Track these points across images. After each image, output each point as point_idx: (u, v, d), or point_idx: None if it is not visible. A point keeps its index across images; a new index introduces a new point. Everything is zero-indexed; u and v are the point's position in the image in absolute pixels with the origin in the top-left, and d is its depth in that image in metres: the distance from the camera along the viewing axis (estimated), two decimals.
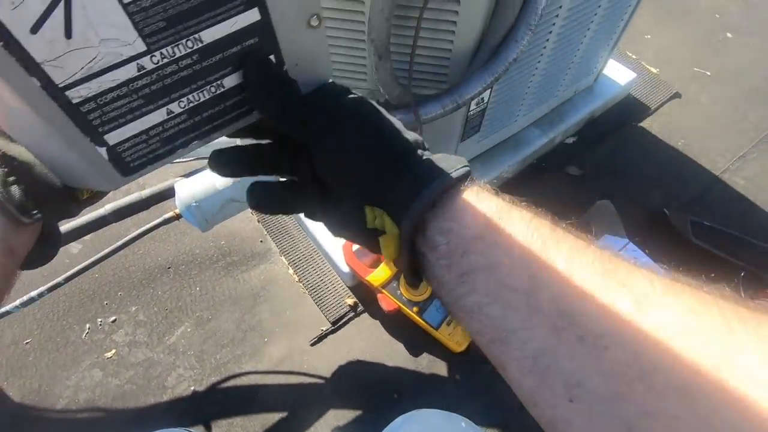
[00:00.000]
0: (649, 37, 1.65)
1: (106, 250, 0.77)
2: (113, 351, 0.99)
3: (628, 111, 1.45)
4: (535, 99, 1.17)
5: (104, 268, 1.09)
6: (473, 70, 0.82)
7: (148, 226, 0.78)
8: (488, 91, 0.98)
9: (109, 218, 0.80)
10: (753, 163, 1.34)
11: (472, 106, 0.98)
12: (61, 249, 0.80)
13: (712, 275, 0.29)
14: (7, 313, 0.73)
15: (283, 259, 1.13)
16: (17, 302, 0.74)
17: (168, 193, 0.83)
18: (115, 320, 1.03)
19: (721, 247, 1.12)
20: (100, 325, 1.02)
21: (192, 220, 0.76)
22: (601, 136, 1.38)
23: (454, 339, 0.97)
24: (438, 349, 0.99)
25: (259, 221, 1.19)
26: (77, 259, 1.09)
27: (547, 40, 0.97)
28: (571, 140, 1.36)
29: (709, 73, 1.55)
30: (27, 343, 0.99)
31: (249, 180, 0.75)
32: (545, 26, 0.92)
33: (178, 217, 0.79)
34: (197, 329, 1.02)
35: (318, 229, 1.10)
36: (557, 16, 0.92)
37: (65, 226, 0.78)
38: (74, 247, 1.13)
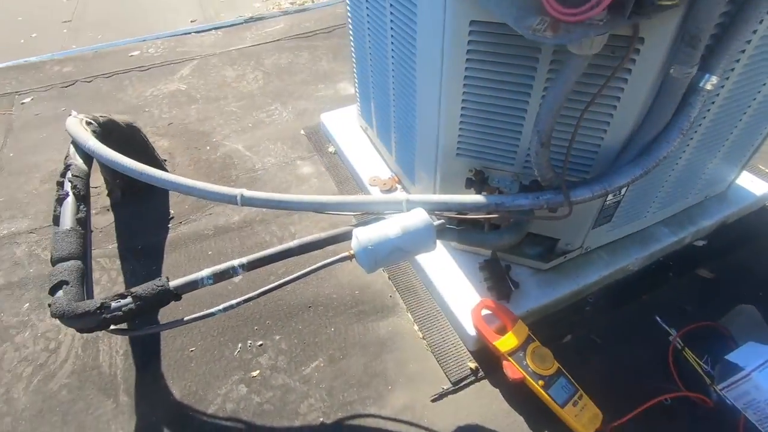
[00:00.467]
0: None
1: (294, 275, 0.92)
2: (258, 371, 1.11)
3: (763, 223, 1.41)
4: (667, 198, 1.22)
5: (259, 299, 1.26)
6: (623, 163, 0.92)
7: (327, 261, 0.93)
8: (626, 187, 1.06)
9: (295, 250, 0.98)
10: None
11: (610, 197, 1.06)
12: (238, 273, 0.95)
13: None
14: (212, 314, 0.90)
15: (409, 316, 1.22)
16: (220, 307, 0.90)
17: (342, 237, 0.99)
18: (261, 345, 1.17)
19: None
20: (249, 346, 1.17)
21: (364, 260, 0.90)
22: (734, 242, 1.36)
23: (581, 421, 0.96)
24: (561, 429, 0.98)
25: (389, 278, 1.31)
26: (239, 287, 1.28)
27: (688, 144, 1.05)
28: (701, 243, 1.35)
29: None
30: (192, 350, 1.16)
31: (414, 234, 0.88)
32: (690, 133, 1.00)
33: (351, 257, 0.93)
34: (329, 366, 1.12)
35: (446, 289, 1.19)
36: (701, 125, 1.00)
37: (262, 252, 0.96)
38: (238, 277, 1.33)
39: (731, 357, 1.01)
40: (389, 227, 0.91)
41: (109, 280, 1.34)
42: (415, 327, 1.19)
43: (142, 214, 1.54)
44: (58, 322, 1.22)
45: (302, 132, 1.89)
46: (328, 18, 2.68)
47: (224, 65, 2.33)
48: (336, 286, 1.30)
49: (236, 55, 2.40)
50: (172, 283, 0.90)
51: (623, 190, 1.07)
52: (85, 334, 1.20)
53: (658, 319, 1.17)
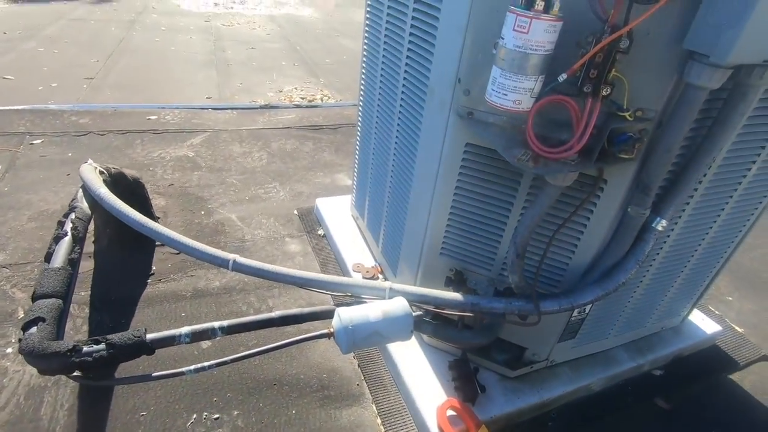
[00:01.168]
0: (730, 299, 1.80)
1: (264, 347, 0.94)
2: None
3: (716, 361, 1.50)
4: (627, 323, 1.31)
5: (223, 368, 1.24)
6: (586, 283, 1.02)
7: (306, 336, 0.96)
8: (590, 305, 1.16)
9: (275, 321, 1.00)
10: None
11: (575, 314, 1.15)
12: (216, 335, 0.97)
13: None
14: (181, 373, 0.89)
15: (374, 407, 1.20)
16: (192, 367, 0.89)
17: (322, 315, 1.02)
18: (218, 418, 1.12)
19: None
20: (205, 418, 1.11)
21: (343, 339, 0.93)
22: (689, 377, 1.42)
23: None
24: None
25: (359, 365, 1.31)
26: (205, 353, 1.26)
27: (644, 276, 1.17)
28: (658, 372, 1.42)
29: None
30: (143, 414, 1.10)
31: (393, 321, 0.94)
32: (645, 265, 1.13)
33: (330, 335, 0.96)
34: None
35: (413, 384, 1.20)
36: (655, 259, 1.14)
37: (242, 319, 0.98)
38: (205, 342, 1.31)
39: None
40: (371, 310, 0.96)
41: (72, 327, 1.30)
42: (378, 420, 1.17)
43: (123, 267, 1.54)
44: (7, 364, 1.16)
45: (295, 212, 1.99)
46: (335, 116, 2.96)
47: (233, 141, 2.50)
48: (305, 366, 1.29)
49: (246, 134, 2.60)
50: (149, 336, 0.90)
51: (587, 309, 1.16)
52: (33, 382, 1.13)
53: None
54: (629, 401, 1.32)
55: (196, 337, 0.93)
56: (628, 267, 0.98)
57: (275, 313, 1.01)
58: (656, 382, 1.39)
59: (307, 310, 1.03)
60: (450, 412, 1.11)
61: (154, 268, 1.56)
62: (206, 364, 0.91)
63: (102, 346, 0.86)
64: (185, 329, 0.93)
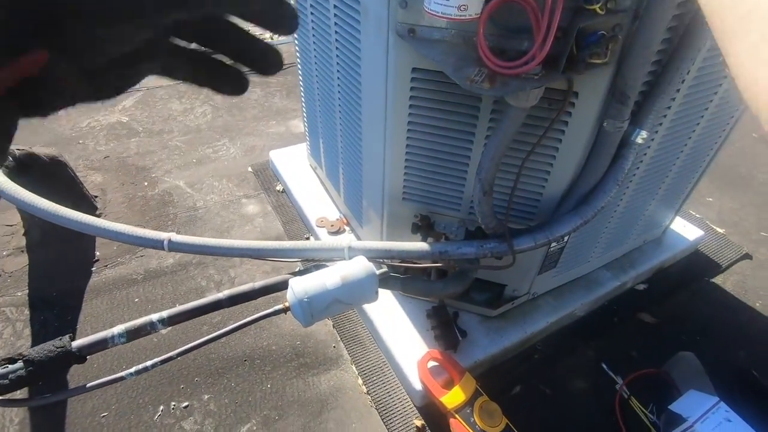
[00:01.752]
0: (711, 199, 1.75)
1: (221, 331, 0.84)
2: None
3: (698, 266, 1.47)
4: (608, 243, 1.24)
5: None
6: (563, 212, 0.92)
7: (259, 314, 0.85)
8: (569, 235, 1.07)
9: (224, 302, 0.89)
10: None
11: (554, 244, 1.06)
12: (157, 329, 0.87)
13: None
14: (121, 378, 0.79)
15: (354, 368, 1.15)
16: (132, 370, 0.79)
17: (278, 287, 0.92)
18: (187, 406, 1.05)
19: None
20: (173, 408, 1.04)
21: (300, 313, 0.83)
22: (673, 287, 1.40)
23: None
24: None
25: (334, 326, 1.24)
26: (164, 341, 1.16)
27: (624, 193, 1.08)
28: (642, 287, 1.38)
29: None
30: (103, 416, 1.02)
31: (355, 285, 0.83)
32: (625, 182, 1.03)
33: (286, 310, 0.86)
34: (263, 428, 1.02)
35: (392, 339, 1.13)
36: (635, 174, 1.03)
37: (186, 306, 0.87)
38: (163, 329, 1.21)
39: (674, 407, 1.00)
40: (328, 277, 0.86)
41: (13, 333, 1.18)
42: (360, 381, 1.12)
43: (63, 257, 1.39)
44: None
45: (250, 169, 1.82)
46: (284, 55, 2.67)
47: (171, 98, 2.25)
48: (276, 336, 1.21)
49: (185, 88, 2.33)
50: (75, 344, 0.79)
51: (566, 238, 1.07)
52: None
53: (604, 366, 1.16)
54: (614, 320, 1.29)
55: (133, 335, 0.82)
56: (607, 189, 0.88)
57: (223, 294, 0.90)
58: (640, 298, 1.36)
59: (259, 284, 0.92)
60: (432, 363, 1.05)
61: (98, 253, 1.42)
62: (148, 363, 0.80)
63: (19, 365, 0.74)
64: (118, 329, 0.82)
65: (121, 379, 0.79)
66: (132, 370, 0.80)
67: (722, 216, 1.68)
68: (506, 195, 0.91)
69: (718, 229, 1.61)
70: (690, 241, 1.46)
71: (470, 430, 0.94)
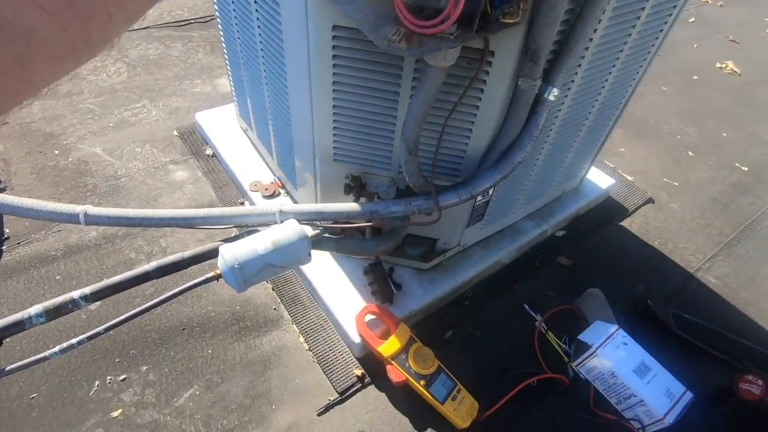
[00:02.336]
0: (623, 150, 1.91)
1: (149, 303, 0.82)
2: (120, 411, 0.98)
3: (609, 211, 1.62)
4: (530, 195, 1.33)
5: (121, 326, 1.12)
6: (485, 168, 0.97)
7: (190, 283, 0.84)
8: (491, 189, 1.13)
9: (152, 274, 0.87)
10: (722, 264, 1.49)
11: (479, 198, 1.13)
12: (80, 306, 0.85)
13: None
14: (45, 359, 0.76)
15: (295, 327, 1.18)
16: (56, 349, 0.77)
17: (209, 255, 0.91)
18: (125, 379, 1.03)
19: (699, 338, 1.21)
20: (110, 383, 1.03)
21: (232, 280, 0.83)
22: (587, 231, 1.54)
23: (459, 415, 1.00)
24: (442, 424, 1.02)
25: (273, 289, 1.25)
26: (95, 316, 1.12)
27: (542, 148, 1.15)
28: (561, 233, 1.51)
29: (676, 184, 1.78)
30: (33, 397, 0.98)
31: (286, 248, 0.85)
32: (542, 137, 1.10)
33: (218, 277, 0.86)
34: (206, 393, 1.03)
35: (332, 298, 1.17)
36: (551, 130, 1.10)
37: (111, 279, 0.84)
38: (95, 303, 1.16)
39: (582, 337, 1.14)
40: (259, 242, 0.86)
41: None
42: (301, 339, 1.15)
43: None
44: None
45: (175, 133, 1.72)
46: (204, 6, 2.47)
47: None
48: (214, 302, 1.20)
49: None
50: None
51: (490, 192, 1.14)
52: None
53: (526, 307, 1.28)
54: (536, 265, 1.41)
55: (53, 314, 0.78)
56: (524, 145, 0.94)
57: (151, 265, 0.87)
58: (559, 243, 1.49)
59: (189, 253, 0.90)
60: (369, 317, 1.11)
61: (7, 230, 1.30)
62: (74, 341, 0.78)
63: None
64: (35, 308, 0.78)
65: (45, 359, 0.76)
66: (56, 349, 0.77)
67: (632, 165, 1.84)
68: (432, 154, 0.94)
69: (628, 177, 1.77)
70: (603, 189, 1.60)
71: (405, 373, 1.02)
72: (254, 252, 0.85)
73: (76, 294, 0.81)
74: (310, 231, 0.95)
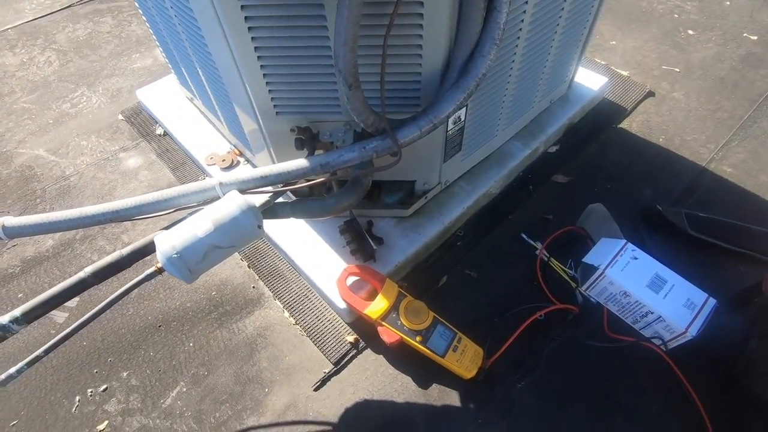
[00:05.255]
0: (614, 42, 1.70)
1: (87, 315, 0.73)
2: (105, 423, 0.93)
3: (605, 114, 1.46)
4: (511, 112, 1.18)
5: (93, 334, 1.05)
6: (445, 89, 0.82)
7: (129, 284, 0.75)
8: (464, 109, 0.98)
9: (90, 280, 0.77)
10: (737, 150, 1.34)
11: (450, 126, 0.98)
12: (46, 320, 0.77)
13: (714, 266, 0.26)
14: None
15: (278, 303, 1.09)
16: None
17: (149, 249, 0.80)
18: (106, 389, 0.97)
19: (718, 236, 1.10)
20: (91, 395, 0.97)
21: (175, 272, 0.73)
22: (582, 141, 1.39)
23: (463, 365, 0.93)
24: (448, 377, 0.95)
25: (249, 266, 1.16)
26: (63, 330, 1.04)
27: (515, 53, 0.98)
28: (554, 149, 1.37)
29: (678, 70, 1.58)
30: (13, 425, 0.93)
31: (230, 225, 0.73)
32: (511, 39, 0.93)
33: (161, 271, 0.76)
34: (193, 388, 0.97)
35: (311, 267, 1.07)
36: (521, 29, 0.93)
37: (43, 295, 0.75)
38: (59, 316, 1.08)
39: (587, 258, 1.03)
40: (197, 224, 0.74)
41: None
42: (286, 314, 1.07)
43: None
44: None
45: (121, 117, 1.57)
46: None
47: (2, 50, 1.83)
48: (188, 292, 1.12)
49: (15, 34, 1.90)
50: None
51: (461, 117, 0.99)
52: None
53: (523, 236, 1.17)
54: (530, 189, 1.28)
55: None
56: (485, 52, 0.78)
57: (86, 271, 0.77)
58: (553, 160, 1.35)
59: (126, 250, 0.80)
60: (351, 279, 1.01)
61: None
62: (12, 371, 0.70)
63: None
64: None
65: (11, 378, 0.69)
66: (2, 376, 0.69)
67: (626, 57, 1.64)
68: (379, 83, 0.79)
69: (623, 72, 1.59)
70: (595, 90, 1.42)
71: (398, 332, 0.93)
72: (193, 236, 0.73)
73: (5, 319, 0.72)
74: (258, 200, 0.83)
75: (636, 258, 0.98)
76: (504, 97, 1.09)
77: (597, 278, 0.99)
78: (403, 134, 0.80)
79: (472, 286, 1.10)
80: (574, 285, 1.07)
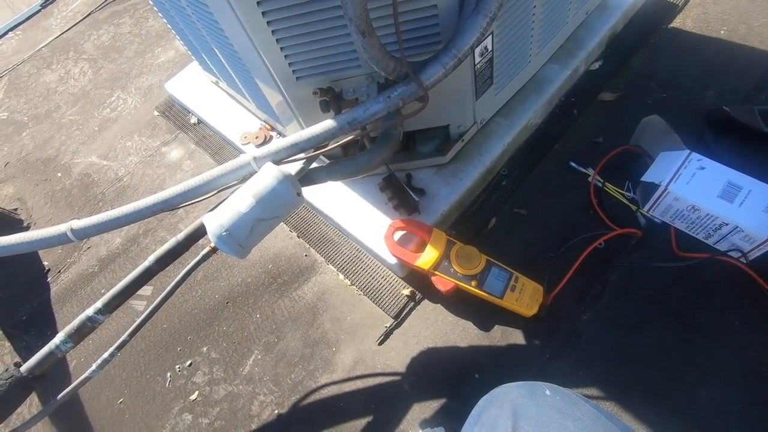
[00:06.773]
0: None
1: (158, 299, 0.79)
2: (196, 393, 1.02)
3: (653, 15, 1.31)
4: (543, 32, 1.08)
5: (171, 317, 1.14)
6: (465, 17, 0.76)
7: (188, 266, 0.79)
8: (490, 37, 0.91)
9: (154, 268, 0.82)
10: None
11: (477, 58, 0.92)
12: (129, 310, 0.84)
13: None
14: (87, 379, 0.77)
15: (331, 267, 1.12)
16: (93, 366, 0.77)
17: (201, 231, 0.83)
18: (191, 363, 1.06)
19: None
20: (179, 371, 1.06)
21: (227, 249, 0.76)
22: (628, 51, 1.26)
23: (523, 303, 0.91)
24: (509, 317, 0.94)
25: (299, 236, 1.19)
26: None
27: None
28: (596, 65, 1.25)
29: None
30: (120, 402, 1.05)
31: (270, 197, 0.74)
32: None
33: (214, 250, 0.79)
34: (267, 354, 1.03)
35: (357, 228, 1.08)
36: None
37: (117, 287, 0.81)
38: (138, 304, 1.18)
39: (646, 177, 0.95)
40: (240, 201, 0.76)
41: (3, 367, 1.17)
42: (341, 276, 1.10)
43: (11, 281, 1.32)
44: None
45: (156, 113, 1.62)
46: None
47: (41, 69, 1.93)
48: (247, 268, 1.17)
49: (48, 51, 1.99)
50: (24, 367, 0.75)
51: (489, 46, 0.92)
52: None
53: (572, 164, 1.10)
54: (574, 113, 1.19)
55: (77, 336, 0.77)
56: None
57: (150, 260, 0.83)
58: (597, 77, 1.23)
59: (182, 235, 0.84)
60: (398, 234, 1.01)
61: (45, 263, 1.34)
62: (106, 355, 0.77)
63: None
64: (59, 337, 0.77)
65: (87, 379, 0.77)
66: (93, 366, 0.77)
67: None
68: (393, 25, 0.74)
69: None
70: None
71: (452, 279, 0.93)
72: (238, 213, 0.75)
73: (90, 311, 0.79)
74: (293, 168, 0.84)
75: (703, 168, 0.89)
76: (533, 16, 0.99)
77: (660, 196, 0.91)
78: (426, 75, 0.76)
79: (524, 224, 1.06)
80: (634, 208, 1.00)
